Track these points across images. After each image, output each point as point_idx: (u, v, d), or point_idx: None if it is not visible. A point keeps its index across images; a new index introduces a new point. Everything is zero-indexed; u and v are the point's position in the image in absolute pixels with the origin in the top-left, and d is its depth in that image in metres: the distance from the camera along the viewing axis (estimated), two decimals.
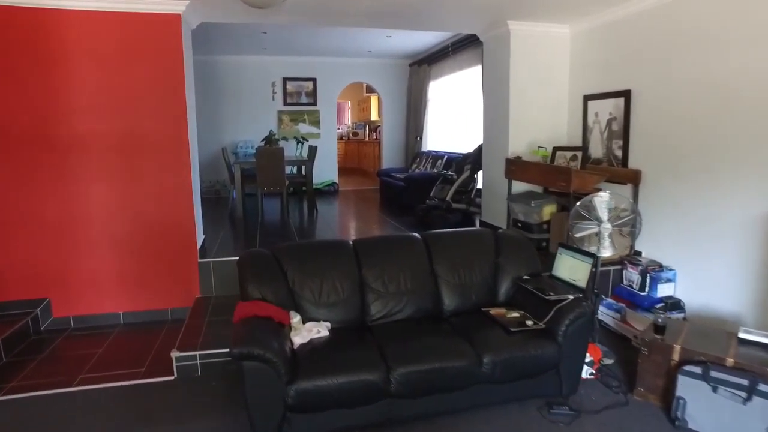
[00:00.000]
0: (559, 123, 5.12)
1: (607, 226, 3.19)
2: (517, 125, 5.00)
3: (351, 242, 3.25)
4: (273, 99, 9.11)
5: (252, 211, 7.06)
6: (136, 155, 4.00)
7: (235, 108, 8.96)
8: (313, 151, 6.83)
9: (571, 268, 3.10)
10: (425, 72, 8.75)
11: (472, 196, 5.71)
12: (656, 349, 2.81)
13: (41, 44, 3.74)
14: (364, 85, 12.47)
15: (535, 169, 4.52)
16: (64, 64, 3.80)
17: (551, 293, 2.94)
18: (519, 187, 5.02)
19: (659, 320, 2.89)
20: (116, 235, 4.07)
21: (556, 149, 4.97)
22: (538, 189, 5.05)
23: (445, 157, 7.04)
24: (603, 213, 3.18)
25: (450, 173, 5.70)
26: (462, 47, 7.14)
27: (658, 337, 2.84)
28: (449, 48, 7.56)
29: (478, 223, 5.97)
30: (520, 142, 5.03)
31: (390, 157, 9.83)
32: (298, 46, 8.17)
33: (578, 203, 3.24)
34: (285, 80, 9.09)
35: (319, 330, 2.78)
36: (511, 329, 2.83)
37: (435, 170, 7.06)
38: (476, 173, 5.72)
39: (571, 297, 2.87)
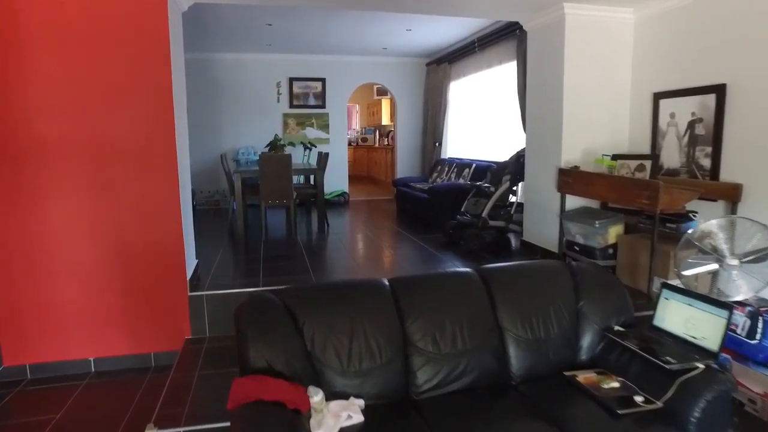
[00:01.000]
0: (620, 126, 4.31)
1: (732, 262, 2.37)
2: (571, 130, 4.19)
3: (387, 282, 2.44)
4: (278, 101, 8.32)
5: (254, 225, 6.26)
6: (111, 164, 3.20)
7: (236, 111, 8.18)
8: (324, 158, 6.03)
9: (688, 321, 2.28)
10: (445, 71, 7.96)
11: (512, 212, 4.90)
12: None
13: None
14: (375, 88, 11.70)
15: (602, 183, 3.71)
16: (18, 50, 3.00)
17: (668, 357, 2.12)
18: (572, 202, 4.21)
19: None
20: (85, 263, 3.26)
21: (616, 157, 4.16)
22: (592, 204, 4.23)
23: (473, 165, 6.23)
24: (727, 243, 2.36)
25: (486, 185, 4.89)
26: (491, 42, 6.35)
27: None
28: (475, 44, 6.77)
29: (514, 242, 5.16)
30: (575, 150, 4.23)
31: (405, 164, 9.03)
32: (305, 43, 7.40)
33: (690, 231, 2.42)
34: (291, 80, 8.31)
35: (350, 414, 1.95)
36: (619, 411, 2.00)
37: (462, 180, 6.25)
38: (516, 185, 4.91)
39: (700, 365, 2.05)
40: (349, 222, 6.66)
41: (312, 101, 8.45)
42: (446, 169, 7.00)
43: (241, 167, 6.78)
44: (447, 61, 7.87)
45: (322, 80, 8.42)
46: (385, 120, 11.56)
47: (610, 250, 3.81)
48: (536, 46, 4.56)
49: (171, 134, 3.28)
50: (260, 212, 5.44)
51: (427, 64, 8.75)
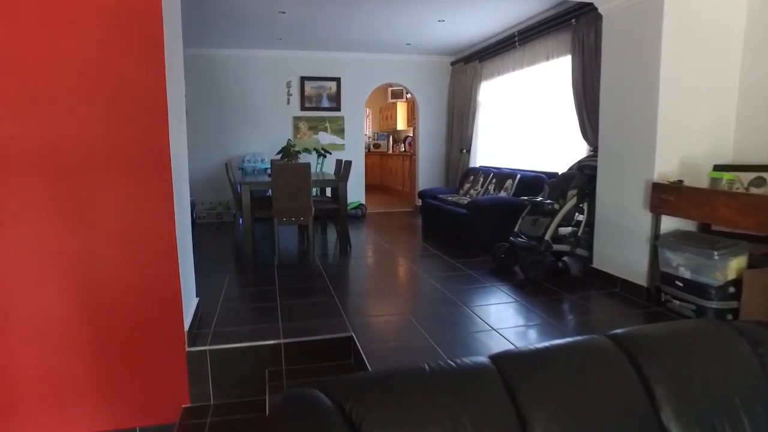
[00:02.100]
0: (724, 131, 3.47)
1: None
2: (668, 135, 3.35)
3: (490, 363, 1.58)
4: (288, 102, 7.49)
5: (263, 244, 5.41)
6: (82, 179, 2.35)
7: (241, 113, 7.35)
8: (345, 167, 5.18)
9: None
10: (475, 70, 7.14)
11: (579, 234, 4.04)
12: None
13: None
14: (389, 90, 10.89)
15: (729, 203, 2.86)
16: None
17: None
18: (666, 224, 3.37)
19: None
20: (46, 314, 2.40)
21: (718, 168, 3.31)
22: (688, 226, 3.39)
23: (518, 176, 5.39)
24: None
25: (548, 201, 4.04)
26: (536, 35, 5.53)
27: None
28: (515, 38, 5.95)
29: (575, 267, 4.31)
30: (671, 159, 3.38)
31: (426, 173, 8.19)
32: (320, 38, 6.58)
33: None
34: (303, 80, 7.48)
35: None
36: None
37: (505, 193, 5.40)
38: (584, 202, 4.06)
39: None
40: (371, 240, 5.81)
41: (326, 103, 7.61)
42: (481, 179, 6.15)
43: (247, 177, 5.93)
44: (477, 59, 7.05)
45: (337, 80, 7.59)
46: (401, 125, 10.74)
47: (731, 289, 2.95)
48: (617, 32, 3.72)
49: (164, 139, 2.43)
50: (270, 229, 4.59)
51: (452, 63, 7.93)
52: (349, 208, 7.34)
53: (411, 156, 9.19)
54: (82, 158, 2.33)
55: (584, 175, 4.12)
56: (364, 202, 7.83)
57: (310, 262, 4.65)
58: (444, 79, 8.04)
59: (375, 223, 7.07)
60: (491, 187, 5.78)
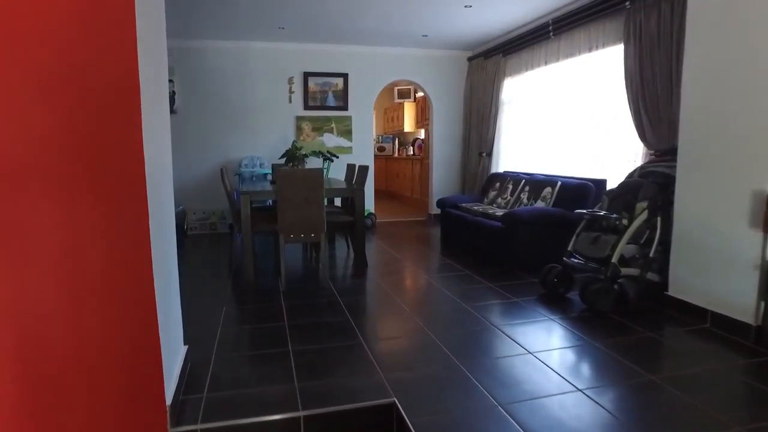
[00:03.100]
0: None
1: None
2: None
3: None
4: (290, 101, 6.77)
5: (265, 261, 4.67)
6: (12, 193, 1.61)
7: (238, 112, 6.61)
8: (361, 173, 4.46)
9: None
10: (497, 66, 6.45)
11: (651, 255, 3.34)
12: None
13: None
14: (396, 90, 10.18)
15: None
16: None
17: None
18: None
19: None
20: None
21: None
22: None
23: (559, 184, 4.68)
24: None
25: (615, 216, 3.33)
26: (577, 22, 4.84)
27: None
28: (548, 27, 5.26)
29: (633, 293, 3.60)
30: None
31: (441, 179, 7.48)
32: (326, 29, 5.86)
33: None
34: (306, 76, 6.75)
35: None
36: None
37: (543, 203, 4.69)
38: (656, 216, 3.35)
39: None
40: (387, 256, 5.08)
41: (332, 101, 6.89)
42: (510, 186, 5.44)
43: (244, 184, 5.19)
44: (500, 53, 6.36)
45: (344, 76, 6.87)
46: (408, 127, 10.03)
47: None
48: (713, 8, 3.01)
49: (135, 145, 1.70)
50: (273, 243, 3.87)
51: (470, 59, 7.24)
52: None
53: (422, 160, 8.48)
54: (14, 165, 1.59)
55: (654, 184, 3.42)
56: (373, 211, 7.11)
57: (321, 286, 3.92)
58: (460, 77, 7.35)
59: (387, 235, 6.35)
60: (524, 196, 5.07)
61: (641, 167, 3.77)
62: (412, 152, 9.88)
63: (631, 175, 3.82)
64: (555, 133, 5.41)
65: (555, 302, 3.48)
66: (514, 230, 4.28)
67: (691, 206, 3.16)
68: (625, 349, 2.65)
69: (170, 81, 6.31)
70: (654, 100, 3.93)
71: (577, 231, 3.64)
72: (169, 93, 6.35)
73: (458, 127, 7.45)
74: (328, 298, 3.60)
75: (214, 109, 6.51)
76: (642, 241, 3.39)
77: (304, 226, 3.74)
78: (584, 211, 3.55)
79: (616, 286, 3.27)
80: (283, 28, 5.83)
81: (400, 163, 10.04)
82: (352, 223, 4.27)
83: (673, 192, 3.35)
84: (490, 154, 6.74)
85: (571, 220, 4.29)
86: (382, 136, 11.25)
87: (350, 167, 5.15)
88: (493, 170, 6.64)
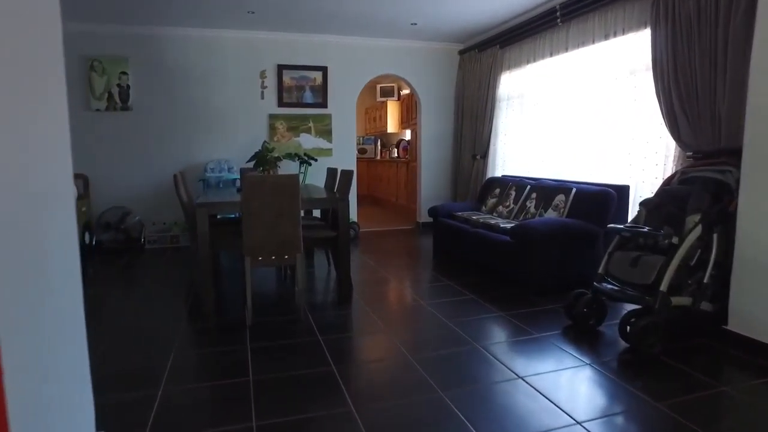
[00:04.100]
0: None
1: None
2: None
3: None
4: (262, 97, 6.03)
5: (232, 282, 3.92)
6: None
7: (204, 110, 5.85)
8: (345, 180, 3.77)
9: None
10: (493, 58, 5.82)
11: (705, 280, 2.72)
12: None
13: None
14: (378, 87, 9.51)
15: None
16: None
17: None
18: None
19: None
20: None
21: None
22: None
23: (573, 191, 4.05)
24: None
25: (661, 232, 2.70)
26: (592, 5, 4.23)
27: None
28: (556, 13, 4.65)
29: (672, 323, 2.97)
30: None
31: (431, 183, 6.82)
32: (303, 16, 5.15)
33: None
34: (281, 69, 6.02)
35: None
36: None
37: (556, 213, 4.06)
38: (713, 233, 2.73)
39: None
40: (375, 275, 4.38)
41: (309, 98, 6.17)
42: (512, 193, 4.80)
43: (209, 192, 4.44)
44: (496, 45, 5.74)
45: (323, 69, 6.16)
46: (391, 127, 9.36)
47: None
48: None
49: None
50: (240, 268, 3.15)
51: (461, 52, 6.60)
52: None
53: (408, 163, 7.82)
54: None
55: (705, 193, 2.80)
56: (356, 220, 6.41)
57: (298, 318, 3.20)
58: (450, 72, 6.71)
59: (372, 248, 5.65)
60: (530, 205, 4.43)
61: (682, 172, 3.16)
62: (396, 155, 9.21)
63: (667, 182, 3.21)
64: (563, 132, 4.79)
65: (585, 339, 2.83)
66: (526, 246, 3.63)
67: (758, 220, 2.55)
68: (694, 412, 2.01)
69: (124, 73, 5.51)
70: (692, 94, 3.32)
71: (610, 249, 3.00)
72: (124, 86, 5.56)
73: (449, 126, 6.81)
74: (307, 336, 2.89)
75: (175, 106, 5.73)
76: (692, 263, 2.76)
77: (276, 246, 3.02)
78: (620, 226, 2.91)
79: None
80: (253, 13, 5.10)
81: (383, 166, 9.36)
82: (334, 239, 3.56)
83: (729, 203, 2.74)
84: (484, 157, 6.11)
85: (594, 234, 3.67)
86: (363, 138, 10.56)
87: (331, 172, 4.45)
88: (489, 174, 6.01)
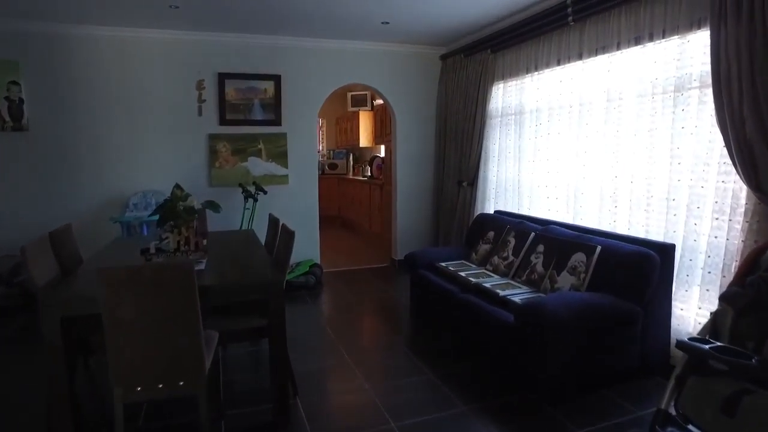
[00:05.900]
0: None
1: None
2: None
3: None
4: (199, 113, 4.86)
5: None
6: None
7: (124, 129, 4.67)
8: (285, 242, 2.65)
9: None
10: (483, 65, 4.77)
11: None
12: None
13: None
14: (349, 96, 8.40)
15: None
16: None
17: None
18: None
19: None
20: None
21: None
22: None
23: (598, 250, 3.00)
24: None
25: None
26: (612, 1, 3.21)
27: None
28: (566, 9, 3.62)
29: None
30: None
31: (408, 214, 5.75)
32: (244, 12, 4.03)
33: None
34: (222, 78, 4.87)
35: None
36: None
37: (573, 276, 3.00)
38: None
39: None
40: (332, 356, 3.26)
41: (259, 114, 5.03)
42: (511, 240, 3.74)
43: (129, 239, 3.26)
44: (487, 48, 4.69)
45: (276, 78, 5.02)
46: (364, 141, 8.26)
47: None
48: None
49: None
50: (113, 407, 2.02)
51: (444, 57, 5.54)
52: (295, 275, 4.78)
53: (382, 185, 6.73)
54: None
55: None
56: (318, 261, 5.29)
57: None
58: (431, 81, 5.65)
59: (335, 300, 4.55)
60: (536, 261, 3.38)
61: None
62: (369, 173, 8.10)
63: (757, 254, 2.17)
64: (576, 163, 3.75)
65: None
66: (539, 334, 2.57)
67: None
68: None
69: (14, 83, 4.30)
70: None
71: (678, 373, 1.95)
72: (15, 100, 4.36)
73: (429, 146, 5.74)
74: None
75: (85, 124, 4.54)
76: None
77: (163, 369, 1.90)
78: (704, 346, 1.85)
79: None
80: (176, 8, 3.95)
81: (355, 185, 8.25)
82: (264, 329, 2.46)
83: None
84: (473, 184, 5.05)
85: (632, 316, 2.64)
86: (333, 151, 9.43)
87: (273, 222, 3.32)
88: (479, 205, 4.96)
